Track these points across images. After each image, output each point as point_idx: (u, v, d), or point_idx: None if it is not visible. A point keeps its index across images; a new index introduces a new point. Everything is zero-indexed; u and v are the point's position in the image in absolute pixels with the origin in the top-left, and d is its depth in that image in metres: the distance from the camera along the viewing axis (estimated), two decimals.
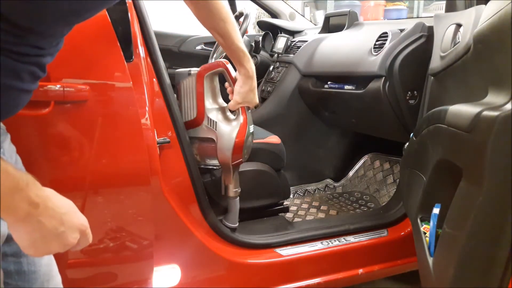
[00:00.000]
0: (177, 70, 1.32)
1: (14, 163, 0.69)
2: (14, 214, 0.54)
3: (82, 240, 0.63)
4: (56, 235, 0.58)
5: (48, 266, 0.78)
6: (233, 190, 1.34)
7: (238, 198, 1.37)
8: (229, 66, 1.25)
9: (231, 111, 1.29)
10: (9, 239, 0.67)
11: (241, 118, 1.27)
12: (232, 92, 1.24)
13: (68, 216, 0.60)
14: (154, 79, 1.19)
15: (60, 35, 0.65)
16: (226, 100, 1.31)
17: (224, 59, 1.27)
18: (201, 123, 1.27)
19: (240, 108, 1.26)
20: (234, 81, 1.23)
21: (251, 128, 1.29)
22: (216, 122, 1.26)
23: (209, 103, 1.27)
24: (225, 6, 1.13)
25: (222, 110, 1.29)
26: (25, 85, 0.61)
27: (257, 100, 1.25)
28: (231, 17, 1.14)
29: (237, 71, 1.22)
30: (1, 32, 0.53)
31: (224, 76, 1.26)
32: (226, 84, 1.26)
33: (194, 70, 1.28)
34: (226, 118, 1.28)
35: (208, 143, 1.29)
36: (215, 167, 1.36)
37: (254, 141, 1.57)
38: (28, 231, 0.56)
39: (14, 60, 0.57)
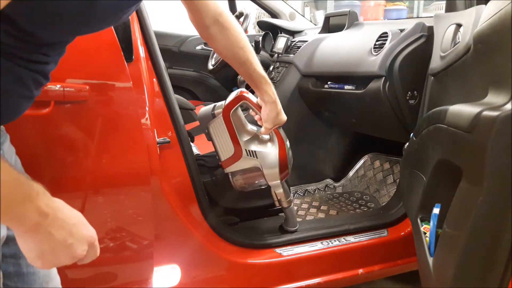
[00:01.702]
0: (200, 113, 1.31)
1: (14, 164, 0.69)
2: (24, 224, 0.53)
3: (90, 252, 0.62)
4: (65, 246, 0.57)
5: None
6: (286, 200, 1.39)
7: (292, 205, 1.43)
8: (249, 95, 1.25)
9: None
10: (8, 240, 0.67)
11: (276, 137, 1.29)
12: (260, 119, 1.25)
13: (77, 227, 0.59)
14: (154, 79, 1.19)
15: (66, 43, 0.65)
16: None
17: (241, 89, 1.28)
18: (241, 156, 1.28)
19: (273, 132, 1.29)
20: (258, 107, 1.23)
21: (288, 143, 1.32)
22: (254, 151, 1.28)
23: (242, 136, 1.29)
24: (242, 33, 1.11)
25: (256, 137, 1.31)
26: (28, 92, 0.61)
27: (285, 118, 1.24)
28: (248, 44, 1.13)
29: (258, 98, 1.22)
30: (11, 38, 0.53)
31: (247, 106, 1.27)
32: (252, 112, 1.28)
33: (218, 107, 1.28)
34: (263, 143, 1.30)
35: (254, 172, 1.31)
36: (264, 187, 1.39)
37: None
38: (37, 242, 0.55)
39: (20, 66, 0.57)
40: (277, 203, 1.41)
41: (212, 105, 1.30)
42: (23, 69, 0.58)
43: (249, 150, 1.28)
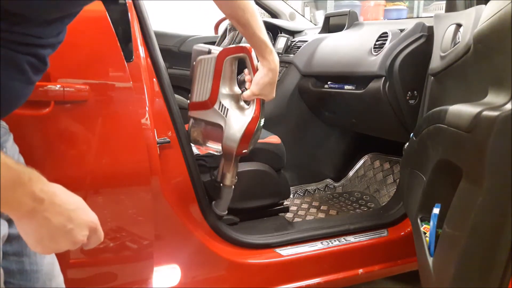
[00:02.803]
0: (196, 47, 1.25)
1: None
2: (18, 209, 0.53)
3: (92, 238, 0.61)
4: (64, 232, 0.56)
5: (51, 265, 0.78)
6: (230, 179, 1.30)
7: (232, 188, 1.33)
8: (253, 54, 1.19)
9: (245, 101, 1.24)
10: (10, 238, 0.67)
11: (254, 109, 1.20)
12: (251, 81, 1.19)
13: (76, 213, 0.58)
14: (154, 79, 1.19)
15: (57, 23, 0.63)
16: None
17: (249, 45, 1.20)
18: (212, 106, 1.21)
19: (255, 100, 1.21)
20: (255, 70, 1.18)
21: (262, 121, 1.23)
22: (228, 109, 1.20)
23: (224, 88, 1.21)
24: None
25: (236, 98, 1.23)
26: (25, 76, 0.61)
27: (274, 95, 1.20)
28: (251, 6, 1.11)
29: (259, 62, 1.17)
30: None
31: (245, 62, 1.19)
32: (246, 71, 1.21)
33: (215, 49, 1.22)
34: (239, 107, 1.22)
35: (215, 128, 1.23)
36: (215, 153, 1.32)
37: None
38: (34, 228, 0.55)
39: (13, 50, 0.57)
40: (219, 176, 1.31)
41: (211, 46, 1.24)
42: (17, 54, 0.58)
43: (222, 105, 1.20)
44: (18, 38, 0.57)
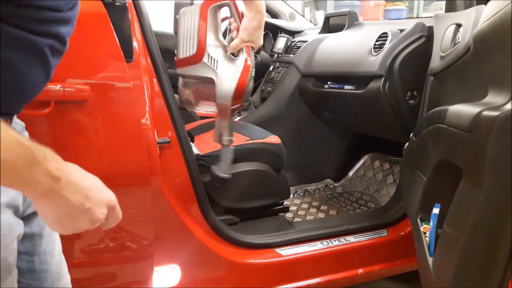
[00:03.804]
0: (177, 0, 1.19)
1: None
2: (35, 188, 0.52)
3: (111, 216, 0.61)
4: (82, 211, 0.56)
5: (59, 265, 0.78)
6: (227, 138, 1.22)
7: (231, 148, 1.26)
8: (237, 1, 1.12)
9: (232, 53, 1.16)
10: (22, 238, 0.67)
11: (245, 58, 1.13)
12: (237, 29, 1.12)
13: (94, 191, 0.58)
14: (154, 79, 1.19)
15: None
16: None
17: None
18: (200, 60, 1.12)
19: (244, 48, 1.12)
20: (241, 17, 1.11)
21: (253, 71, 1.16)
22: (217, 60, 1.12)
23: (210, 39, 1.13)
24: None
25: (224, 48, 1.14)
26: (45, 61, 0.61)
27: (262, 41, 1.14)
28: None
29: (245, 7, 1.10)
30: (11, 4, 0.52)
31: (230, 10, 1.13)
32: (231, 19, 1.14)
33: (198, 1, 1.16)
34: (228, 58, 1.14)
35: (206, 84, 1.15)
36: (211, 112, 1.25)
37: (254, 141, 1.57)
38: (52, 207, 0.54)
39: (32, 33, 0.56)
40: (216, 138, 1.23)
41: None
42: (37, 37, 0.57)
43: (212, 57, 1.12)
44: (36, 14, 0.56)
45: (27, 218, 0.69)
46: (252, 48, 1.14)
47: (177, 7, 1.16)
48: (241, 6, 1.13)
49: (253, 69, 1.16)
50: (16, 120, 0.67)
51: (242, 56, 1.13)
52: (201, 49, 1.12)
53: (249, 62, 1.13)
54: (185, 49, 1.13)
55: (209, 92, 1.15)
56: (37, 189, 0.52)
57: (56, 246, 0.77)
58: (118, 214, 0.62)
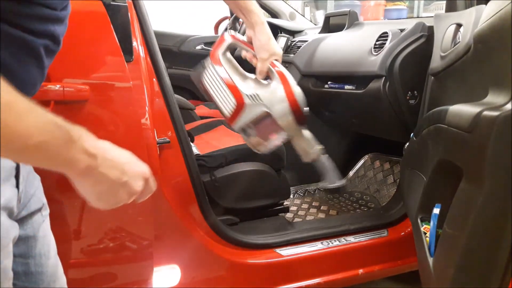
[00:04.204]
0: (190, 73, 1.16)
1: (29, 168, 0.69)
2: (75, 167, 0.54)
3: (146, 188, 0.64)
4: (121, 184, 0.59)
5: (54, 267, 0.78)
6: (315, 151, 1.15)
7: (326, 156, 1.18)
8: (236, 34, 1.09)
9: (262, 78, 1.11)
10: (17, 240, 0.67)
11: (276, 73, 1.07)
12: (252, 57, 1.08)
13: (129, 165, 0.60)
14: (154, 79, 1.19)
15: None
16: None
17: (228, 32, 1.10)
18: (244, 103, 1.08)
19: (270, 67, 1.06)
20: (248, 44, 1.07)
21: (292, 78, 1.09)
22: (256, 93, 1.07)
23: (237, 80, 1.09)
24: None
25: (254, 80, 1.10)
26: (39, 61, 0.61)
27: (280, 48, 1.08)
28: None
29: (247, 28, 1.05)
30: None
31: (236, 46, 1.09)
32: (243, 53, 1.11)
33: (206, 60, 1.13)
34: (263, 85, 1.09)
35: (264, 119, 1.10)
36: (284, 139, 1.16)
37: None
38: (92, 184, 0.57)
39: (29, 33, 0.56)
40: (307, 158, 1.17)
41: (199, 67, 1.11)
42: (33, 38, 0.57)
43: (250, 95, 1.06)
44: (33, 11, 0.56)
45: (21, 220, 0.69)
46: (277, 60, 1.08)
47: (196, 79, 1.12)
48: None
49: (291, 77, 1.09)
50: None
51: (273, 75, 1.08)
52: (237, 95, 1.07)
53: (281, 70, 1.07)
54: (227, 105, 1.09)
55: (271, 124, 1.10)
56: (76, 168, 0.54)
57: (51, 248, 0.77)
58: (152, 185, 0.66)
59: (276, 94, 1.07)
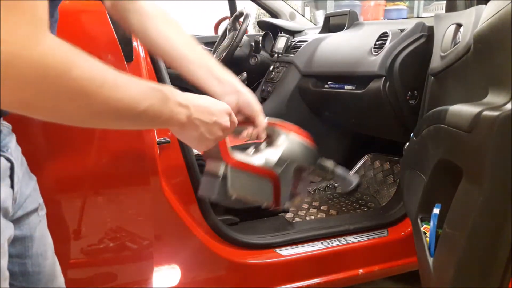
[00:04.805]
0: (200, 191, 0.89)
1: (21, 164, 0.68)
2: (176, 120, 0.61)
3: (231, 122, 0.72)
4: (213, 123, 0.67)
5: (52, 266, 0.78)
6: (327, 164, 1.07)
7: (333, 164, 1.08)
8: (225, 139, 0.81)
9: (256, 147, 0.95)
10: (13, 240, 0.67)
11: (276, 125, 0.95)
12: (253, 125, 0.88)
13: (214, 106, 0.68)
14: (154, 79, 1.19)
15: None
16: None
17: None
18: (278, 176, 0.91)
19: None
20: (225, 142, 0.80)
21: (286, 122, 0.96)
22: (279, 156, 0.91)
23: (258, 159, 0.89)
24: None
25: (266, 146, 0.95)
26: None
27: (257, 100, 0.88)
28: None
29: (222, 97, 0.80)
30: None
31: (214, 155, 0.83)
32: (246, 133, 0.89)
33: (210, 169, 0.86)
34: (275, 144, 0.93)
35: (296, 174, 0.95)
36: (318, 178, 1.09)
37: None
38: (193, 130, 0.65)
39: None
40: (342, 187, 1.08)
41: (203, 180, 0.87)
42: None
43: (275, 164, 0.90)
44: None
45: (17, 220, 0.69)
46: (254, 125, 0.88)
47: (216, 196, 0.86)
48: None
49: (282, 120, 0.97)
50: (3, 122, 0.67)
51: (273, 126, 0.94)
52: (269, 175, 0.90)
53: (275, 120, 0.95)
54: (266, 194, 0.91)
55: (302, 173, 0.98)
56: (178, 120, 0.62)
57: (48, 248, 0.76)
58: (235, 119, 0.73)
59: (292, 142, 0.95)
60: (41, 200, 0.75)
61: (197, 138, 0.67)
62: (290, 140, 0.95)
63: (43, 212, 0.76)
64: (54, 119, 0.51)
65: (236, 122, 0.74)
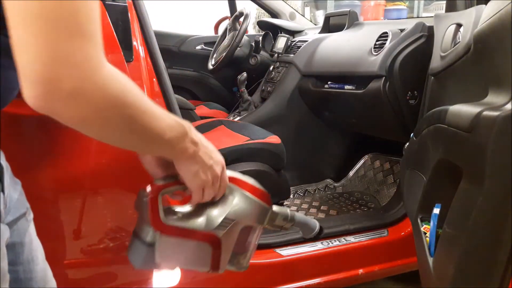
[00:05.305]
0: (129, 256, 0.79)
1: (5, 169, 0.67)
2: (185, 154, 0.67)
3: (223, 174, 0.76)
4: (209, 167, 0.71)
5: (43, 272, 0.77)
6: (287, 222, 0.93)
7: (295, 216, 0.96)
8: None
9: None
10: (6, 247, 0.67)
11: (232, 185, 0.82)
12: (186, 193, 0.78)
13: (214, 153, 0.73)
14: (154, 79, 1.19)
15: None
16: None
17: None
18: (219, 240, 0.81)
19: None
20: (157, 202, 0.77)
21: (238, 173, 0.85)
22: (225, 217, 0.80)
23: (198, 223, 0.81)
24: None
25: (209, 205, 0.82)
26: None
27: (219, 158, 0.76)
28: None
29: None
30: None
31: (145, 215, 0.76)
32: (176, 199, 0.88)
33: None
34: (222, 202, 0.81)
35: (241, 233, 0.85)
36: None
37: (254, 141, 1.57)
38: (192, 165, 0.69)
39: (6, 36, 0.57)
40: (304, 233, 1.03)
41: (131, 240, 0.78)
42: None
43: (218, 225, 0.79)
44: None
45: (7, 226, 0.68)
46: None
47: (139, 263, 0.77)
48: None
49: (249, 178, 0.87)
50: None
51: (231, 190, 0.82)
52: (207, 237, 0.80)
53: (239, 179, 0.84)
54: (202, 259, 0.83)
55: (248, 231, 0.88)
56: (187, 154, 0.67)
57: (39, 253, 0.76)
58: (225, 177, 0.77)
59: (242, 199, 0.83)
60: (28, 205, 0.74)
61: (192, 173, 0.70)
62: (240, 197, 0.82)
63: (30, 216, 0.75)
64: (98, 135, 0.56)
65: (227, 182, 0.77)
